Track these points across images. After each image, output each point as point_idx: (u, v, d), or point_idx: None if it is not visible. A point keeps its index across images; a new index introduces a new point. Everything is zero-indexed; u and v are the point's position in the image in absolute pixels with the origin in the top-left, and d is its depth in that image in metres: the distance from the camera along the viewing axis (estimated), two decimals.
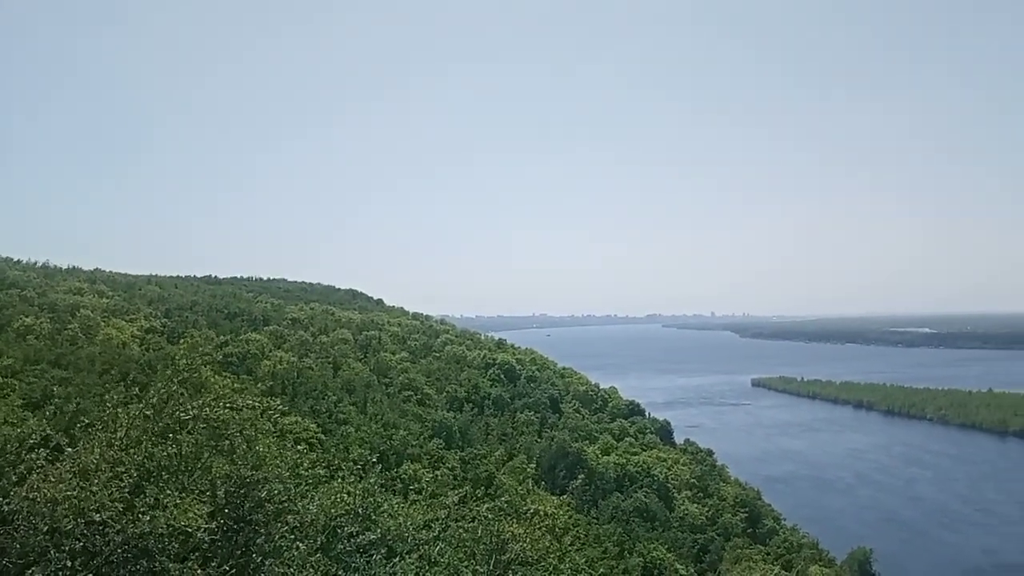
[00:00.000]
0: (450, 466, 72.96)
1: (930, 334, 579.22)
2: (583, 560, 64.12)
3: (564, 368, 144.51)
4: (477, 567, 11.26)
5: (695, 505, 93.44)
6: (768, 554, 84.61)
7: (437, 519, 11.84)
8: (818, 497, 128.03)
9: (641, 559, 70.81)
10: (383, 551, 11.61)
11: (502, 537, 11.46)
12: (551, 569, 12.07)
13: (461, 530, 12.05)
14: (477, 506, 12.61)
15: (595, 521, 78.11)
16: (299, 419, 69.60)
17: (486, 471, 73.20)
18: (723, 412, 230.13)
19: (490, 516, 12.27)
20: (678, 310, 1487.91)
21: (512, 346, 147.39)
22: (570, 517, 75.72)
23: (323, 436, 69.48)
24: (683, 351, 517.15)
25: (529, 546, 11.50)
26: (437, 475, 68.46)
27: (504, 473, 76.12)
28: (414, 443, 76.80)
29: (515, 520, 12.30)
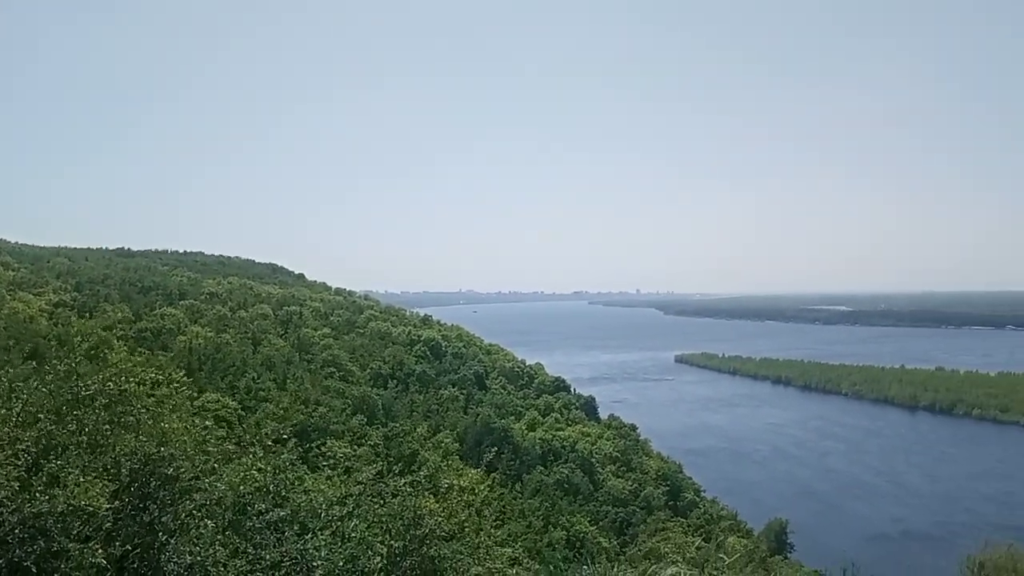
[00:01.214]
0: (373, 443, 72.56)
1: (846, 312, 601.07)
2: (505, 534, 64.85)
3: (490, 345, 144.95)
4: (392, 542, 11.23)
5: (618, 479, 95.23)
6: (688, 526, 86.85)
7: (351, 495, 11.74)
8: (737, 470, 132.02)
9: (565, 532, 71.86)
10: (295, 528, 11.47)
11: (418, 512, 11.44)
12: (468, 543, 12.11)
13: (376, 505, 11.98)
14: (394, 481, 12.55)
15: (519, 496, 78.91)
16: (218, 396, 68.29)
17: (410, 448, 73.04)
18: (647, 388, 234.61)
19: (408, 491, 12.23)
20: (604, 287, 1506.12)
21: (438, 322, 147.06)
22: (492, 491, 76.45)
23: (243, 413, 68.25)
24: (608, 328, 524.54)
25: (445, 520, 11.51)
26: (359, 452, 68.15)
27: (428, 449, 76.13)
28: (336, 420, 76.13)
29: (432, 495, 12.30)
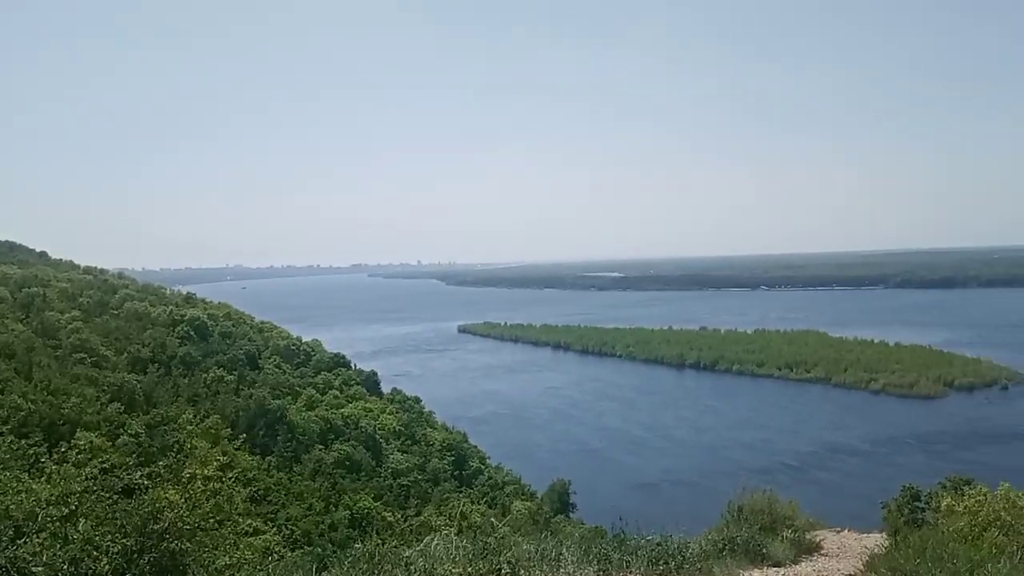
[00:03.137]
0: (133, 432, 67.86)
1: (619, 278, 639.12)
2: (284, 518, 63.12)
3: (263, 323, 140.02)
4: (126, 540, 10.19)
5: (403, 453, 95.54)
6: (475, 494, 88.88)
7: (73, 492, 10.53)
8: (519, 435, 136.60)
9: (348, 511, 71.04)
10: (9, 532, 10.13)
11: (157, 505, 10.47)
12: (216, 534, 11.29)
13: (108, 501, 10.85)
14: (128, 474, 11.43)
15: (298, 477, 77.02)
16: None
17: (175, 436, 68.83)
18: (430, 359, 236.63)
19: (145, 483, 11.17)
20: (384, 259, 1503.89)
21: (203, 301, 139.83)
22: (268, 475, 73.98)
23: None
24: (390, 300, 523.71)
25: (188, 512, 10.62)
26: (117, 443, 63.45)
27: (196, 436, 72.13)
28: (89, 410, 70.17)
29: (175, 486, 11.32)
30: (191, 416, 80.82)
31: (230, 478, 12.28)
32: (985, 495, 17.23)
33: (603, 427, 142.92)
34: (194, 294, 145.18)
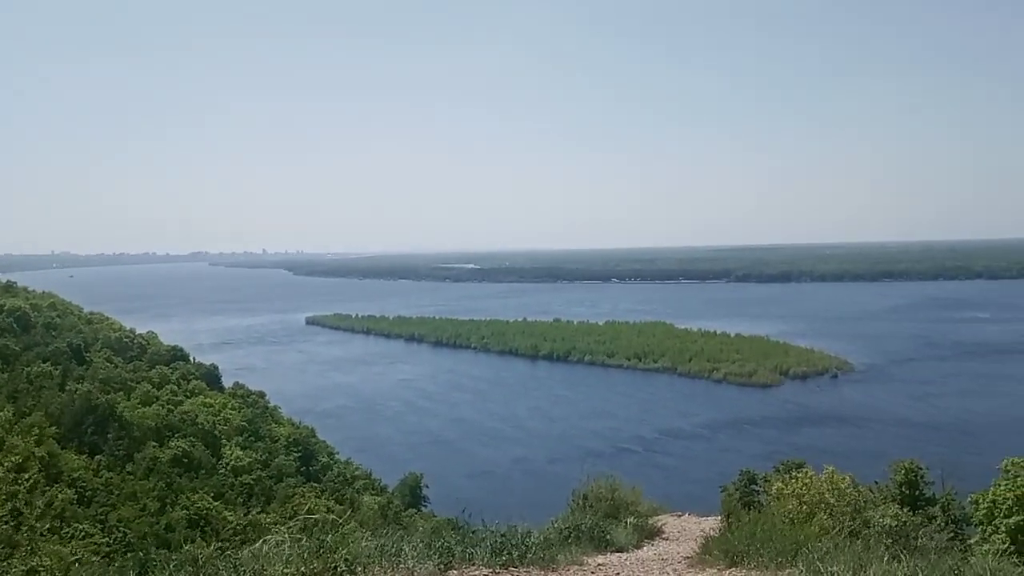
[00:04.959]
0: None
1: (475, 269, 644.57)
2: (115, 519, 60.11)
3: (92, 313, 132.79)
4: None
5: (245, 450, 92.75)
6: (323, 490, 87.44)
7: None
8: (370, 428, 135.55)
9: (186, 511, 68.40)
10: None
11: None
12: (8, 540, 10.65)
13: None
14: None
15: (131, 477, 73.39)
16: None
17: None
18: (276, 352, 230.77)
19: None
20: (227, 247, 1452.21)
21: (25, 289, 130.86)
22: (98, 475, 70.04)
23: None
24: (233, 290, 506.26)
25: None
26: None
27: (15, 435, 67.44)
28: None
29: None
30: (10, 413, 75.54)
31: (28, 479, 11.57)
32: (811, 478, 18.62)
33: (456, 418, 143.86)
34: (14, 282, 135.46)
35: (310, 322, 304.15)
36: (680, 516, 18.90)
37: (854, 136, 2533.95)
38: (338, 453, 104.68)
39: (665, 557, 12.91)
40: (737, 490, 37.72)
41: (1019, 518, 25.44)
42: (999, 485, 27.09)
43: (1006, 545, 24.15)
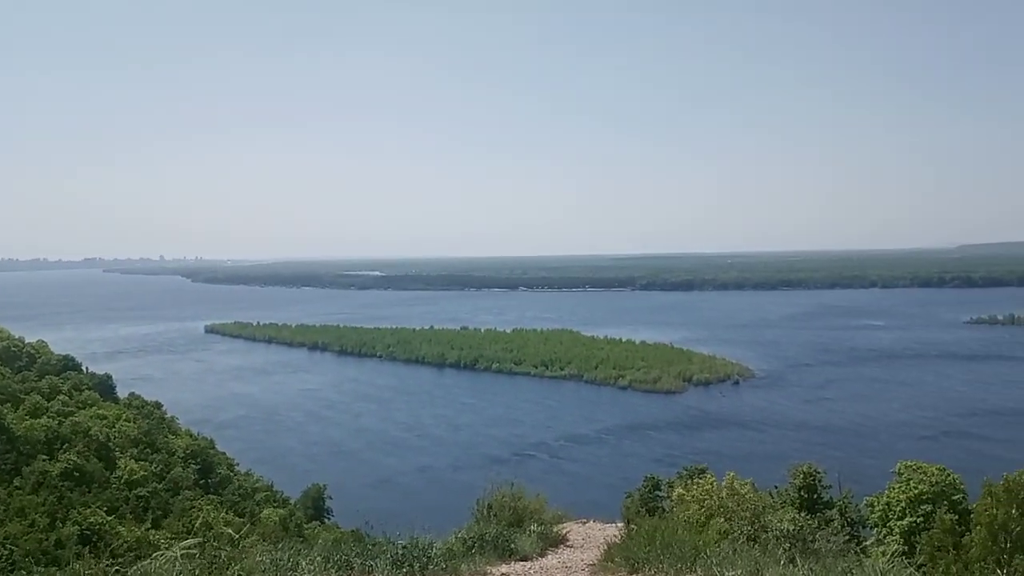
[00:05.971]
0: None
1: (380, 277, 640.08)
2: (2, 536, 58.16)
3: None
4: None
5: (140, 463, 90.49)
6: (222, 503, 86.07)
7: None
8: (271, 439, 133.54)
9: (78, 527, 66.54)
10: None
11: None
12: None
13: None
14: None
15: (19, 492, 70.96)
16: None
17: None
18: (174, 361, 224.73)
19: None
20: (122, 253, 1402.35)
21: None
22: None
23: None
24: (129, 297, 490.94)
25: None
26: None
27: None
28: None
29: None
30: None
31: None
32: (712, 484, 19.89)
33: (360, 428, 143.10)
34: None
35: (209, 331, 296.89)
36: (585, 523, 19.24)
37: (751, 148, 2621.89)
38: (238, 465, 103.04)
39: (569, 565, 13.46)
40: (641, 496, 38.61)
41: (912, 519, 27.39)
42: (892, 488, 29.08)
43: (900, 546, 25.99)
